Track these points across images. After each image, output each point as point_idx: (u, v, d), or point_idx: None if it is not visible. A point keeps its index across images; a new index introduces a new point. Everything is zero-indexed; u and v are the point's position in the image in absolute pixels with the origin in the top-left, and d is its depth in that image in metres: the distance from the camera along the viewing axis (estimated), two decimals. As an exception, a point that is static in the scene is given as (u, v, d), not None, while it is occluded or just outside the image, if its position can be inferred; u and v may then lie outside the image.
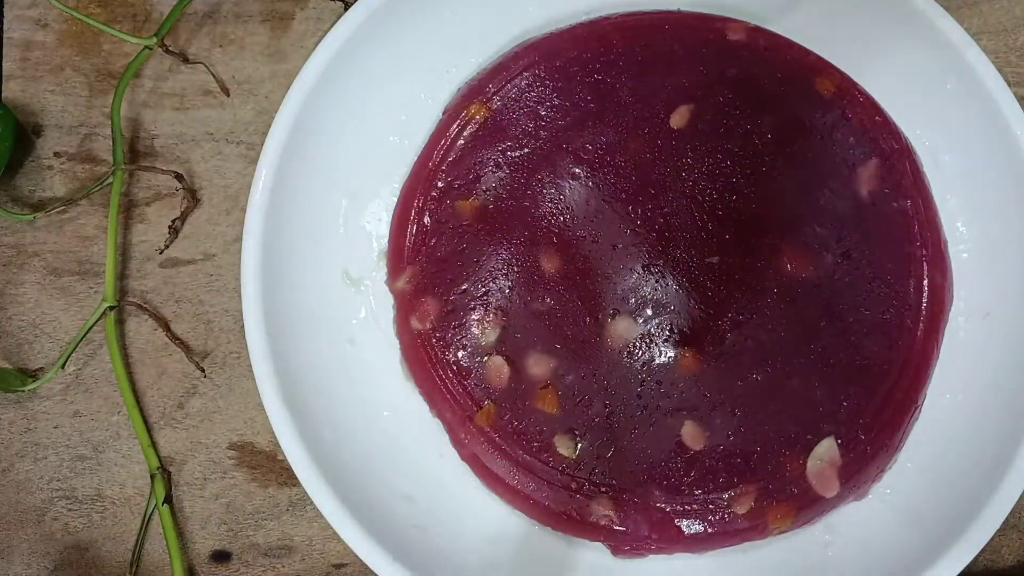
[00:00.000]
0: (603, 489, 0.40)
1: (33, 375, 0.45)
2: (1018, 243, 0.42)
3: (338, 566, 0.43)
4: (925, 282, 0.42)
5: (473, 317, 0.42)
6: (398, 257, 0.43)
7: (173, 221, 0.47)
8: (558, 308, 0.41)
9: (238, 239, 0.46)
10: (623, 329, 0.41)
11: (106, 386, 0.45)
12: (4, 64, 0.50)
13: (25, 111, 0.49)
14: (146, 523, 0.43)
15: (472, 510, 0.41)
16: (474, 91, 0.45)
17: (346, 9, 0.44)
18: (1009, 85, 0.42)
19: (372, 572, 0.38)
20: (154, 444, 0.44)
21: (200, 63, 0.49)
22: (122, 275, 0.47)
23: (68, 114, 0.49)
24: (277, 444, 0.40)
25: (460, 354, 0.41)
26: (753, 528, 0.40)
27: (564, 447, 0.40)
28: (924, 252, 0.42)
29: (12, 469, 0.45)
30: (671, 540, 0.40)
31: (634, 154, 0.43)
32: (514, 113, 0.44)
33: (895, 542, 0.39)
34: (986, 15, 0.49)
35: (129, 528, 0.43)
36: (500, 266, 0.42)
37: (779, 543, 0.40)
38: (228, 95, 0.49)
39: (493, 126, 0.44)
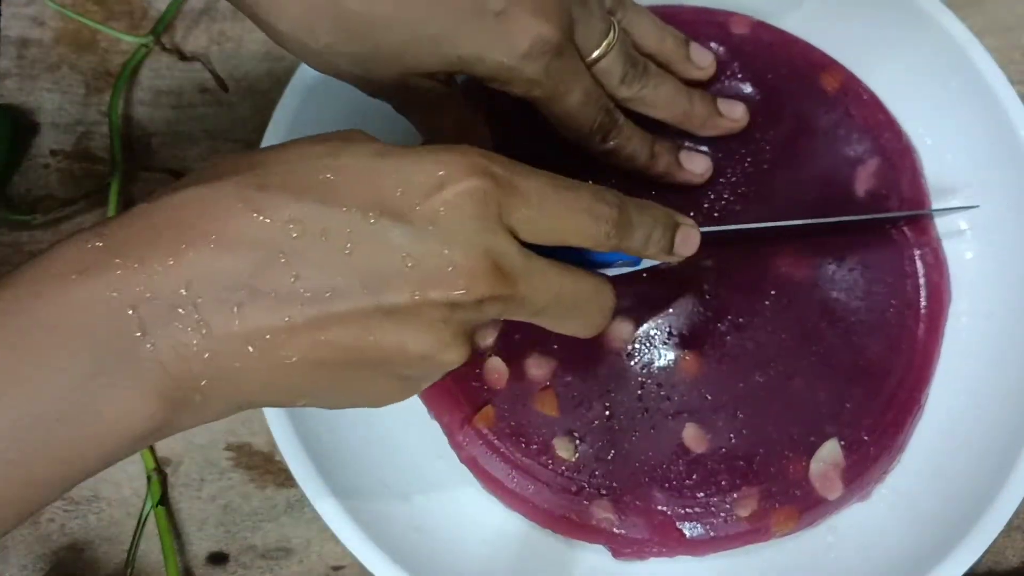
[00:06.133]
0: (603, 491, 0.40)
1: (29, 375, 0.45)
2: (1021, 243, 0.42)
3: (336, 568, 0.43)
4: (922, 281, 0.42)
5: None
6: (397, 256, 0.43)
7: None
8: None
9: (236, 238, 0.46)
10: (623, 331, 0.41)
11: (103, 386, 0.45)
12: (1, 62, 0.50)
13: (22, 109, 0.49)
14: (142, 524, 0.43)
15: (471, 512, 0.41)
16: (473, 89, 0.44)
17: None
18: (1012, 83, 0.42)
19: (370, 574, 0.38)
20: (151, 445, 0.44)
21: (198, 60, 0.49)
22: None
23: (65, 112, 0.49)
24: (275, 445, 0.39)
25: (458, 355, 0.41)
26: (755, 531, 0.39)
27: (564, 449, 0.40)
28: (918, 251, 0.42)
29: (8, 470, 0.44)
30: (672, 543, 0.39)
31: (633, 152, 0.43)
32: (518, 106, 0.43)
33: (898, 543, 0.39)
34: (990, 13, 0.49)
35: (126, 529, 0.43)
36: (500, 266, 0.42)
37: (782, 545, 0.40)
38: (227, 90, 0.49)
39: (496, 120, 0.43)
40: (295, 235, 0.26)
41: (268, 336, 0.26)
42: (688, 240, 0.35)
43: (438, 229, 0.27)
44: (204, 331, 0.26)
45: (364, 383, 0.29)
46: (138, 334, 0.25)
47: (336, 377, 0.28)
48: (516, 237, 0.29)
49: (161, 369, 0.26)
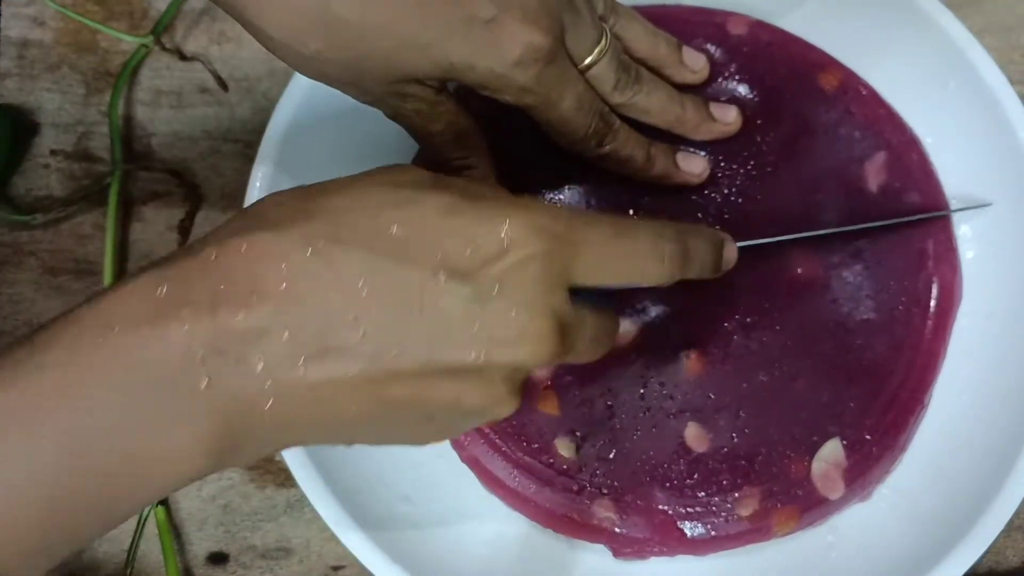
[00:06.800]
0: (604, 491, 0.40)
1: (29, 375, 0.45)
2: (1022, 242, 0.42)
3: (336, 568, 0.43)
4: (935, 279, 0.42)
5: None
6: (397, 256, 0.43)
7: (181, 221, 0.47)
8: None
9: (236, 238, 0.46)
10: (625, 330, 0.41)
11: (103, 386, 0.45)
12: (1, 62, 0.50)
13: (22, 109, 0.49)
14: (142, 524, 0.42)
15: (472, 511, 0.41)
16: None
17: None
18: (1012, 83, 0.42)
19: (371, 574, 0.38)
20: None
21: (197, 60, 0.49)
22: (119, 274, 0.46)
23: (65, 112, 0.49)
24: (275, 445, 0.39)
25: (459, 355, 0.41)
26: (756, 531, 0.39)
27: (565, 448, 0.40)
28: (934, 247, 0.42)
29: (8, 470, 0.44)
30: (673, 542, 0.39)
31: (635, 153, 0.43)
32: (514, 111, 0.44)
33: (899, 543, 0.39)
34: (989, 13, 0.49)
35: (126, 529, 0.43)
36: (500, 265, 0.42)
37: (783, 544, 0.40)
38: (227, 90, 0.49)
39: (493, 125, 0.43)
40: (364, 292, 0.26)
41: (331, 390, 0.26)
42: (731, 256, 0.36)
43: (504, 292, 0.27)
44: (269, 383, 0.26)
45: (413, 429, 0.29)
46: (203, 384, 0.25)
47: (388, 425, 0.29)
48: (569, 287, 0.29)
49: (222, 416, 0.26)
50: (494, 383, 0.28)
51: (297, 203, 0.28)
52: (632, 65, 0.40)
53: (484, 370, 0.27)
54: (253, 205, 0.29)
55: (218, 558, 0.43)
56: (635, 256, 0.31)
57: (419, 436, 0.30)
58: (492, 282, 0.27)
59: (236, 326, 0.25)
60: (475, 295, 0.27)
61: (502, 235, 0.28)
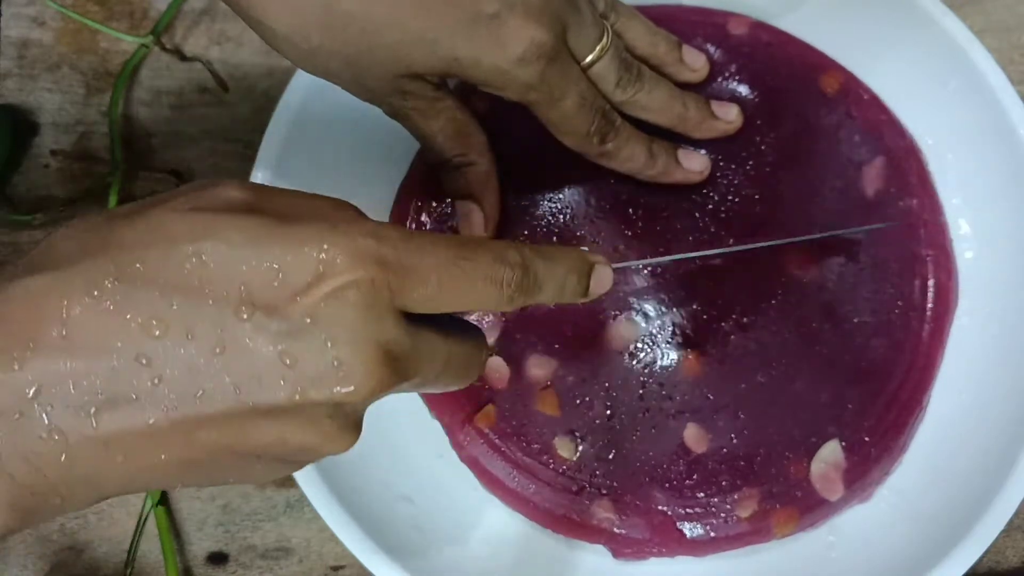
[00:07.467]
0: (604, 491, 0.40)
1: (29, 375, 0.45)
2: (1021, 243, 0.42)
3: (336, 568, 0.43)
4: (931, 282, 0.42)
5: (472, 317, 0.41)
6: (397, 256, 0.43)
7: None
8: (559, 309, 0.41)
9: (236, 238, 0.46)
10: (624, 330, 0.41)
11: (103, 386, 0.45)
12: (1, 62, 0.50)
13: (22, 109, 0.49)
14: (141, 525, 0.42)
15: (472, 511, 0.41)
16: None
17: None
18: (1012, 83, 0.42)
19: (370, 574, 0.38)
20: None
21: (197, 60, 0.49)
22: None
23: (65, 112, 0.49)
24: (275, 445, 0.39)
25: (459, 354, 0.41)
26: (756, 531, 0.39)
27: (564, 449, 0.40)
28: (929, 252, 0.42)
29: (8, 470, 0.44)
30: (672, 543, 0.39)
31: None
32: (514, 111, 0.44)
33: (899, 543, 0.39)
34: (989, 13, 0.49)
35: (126, 530, 0.43)
36: (500, 266, 0.42)
37: (782, 546, 0.40)
38: (227, 90, 0.49)
39: (492, 124, 0.43)
40: (157, 334, 0.24)
41: (130, 439, 0.24)
42: (603, 280, 0.32)
43: (319, 324, 0.25)
44: (57, 437, 0.24)
45: (241, 470, 0.27)
46: None
47: (210, 468, 0.26)
48: (404, 313, 0.27)
49: (10, 481, 0.24)
50: (319, 421, 0.25)
51: (88, 236, 0.25)
52: (634, 63, 0.40)
53: (302, 408, 0.25)
54: (44, 240, 0.26)
55: (218, 558, 0.43)
56: (472, 282, 0.28)
57: (252, 476, 0.27)
58: (303, 315, 0.24)
59: (13, 380, 0.23)
60: (284, 330, 0.24)
61: (315, 262, 0.25)
